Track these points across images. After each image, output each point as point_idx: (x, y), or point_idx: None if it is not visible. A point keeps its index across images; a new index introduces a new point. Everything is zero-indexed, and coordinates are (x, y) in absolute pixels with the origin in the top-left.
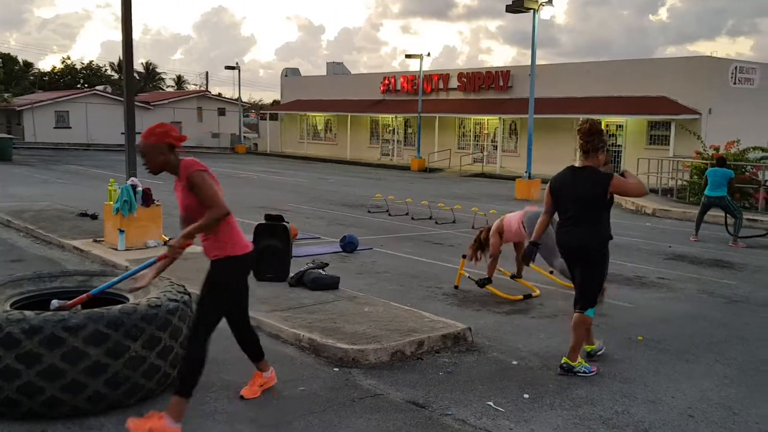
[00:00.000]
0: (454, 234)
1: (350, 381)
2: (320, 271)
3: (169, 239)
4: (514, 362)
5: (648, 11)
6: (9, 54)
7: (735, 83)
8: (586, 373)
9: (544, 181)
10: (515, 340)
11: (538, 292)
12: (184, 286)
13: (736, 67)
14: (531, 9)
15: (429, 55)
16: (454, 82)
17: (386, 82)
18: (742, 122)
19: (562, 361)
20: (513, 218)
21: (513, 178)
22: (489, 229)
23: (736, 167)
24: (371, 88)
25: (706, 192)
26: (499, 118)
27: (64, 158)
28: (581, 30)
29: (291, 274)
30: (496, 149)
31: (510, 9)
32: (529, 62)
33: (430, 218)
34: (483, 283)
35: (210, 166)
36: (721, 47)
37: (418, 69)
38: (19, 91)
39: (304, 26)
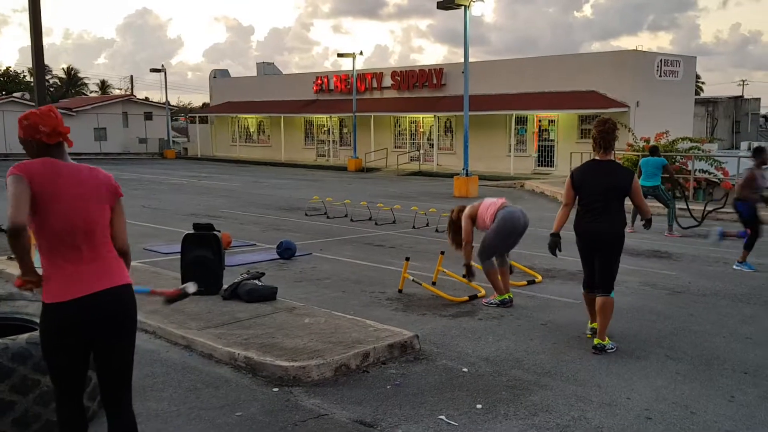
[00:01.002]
0: (395, 235)
1: (291, 402)
2: (256, 281)
3: None
4: (464, 369)
5: (572, 8)
6: None
7: (660, 76)
8: (611, 349)
9: (481, 178)
10: (464, 345)
11: (483, 291)
12: None
13: (661, 60)
14: (462, 5)
15: (362, 53)
16: (387, 81)
17: (319, 81)
18: (669, 114)
19: (595, 342)
20: (490, 206)
21: (450, 176)
22: (460, 210)
23: (667, 158)
24: (304, 88)
25: (639, 182)
26: (434, 116)
27: None
28: (509, 28)
29: (225, 287)
30: (433, 147)
31: (441, 6)
32: (461, 60)
33: (370, 219)
34: (470, 272)
35: (139, 172)
36: (644, 42)
37: (351, 68)
38: None
39: (232, 27)
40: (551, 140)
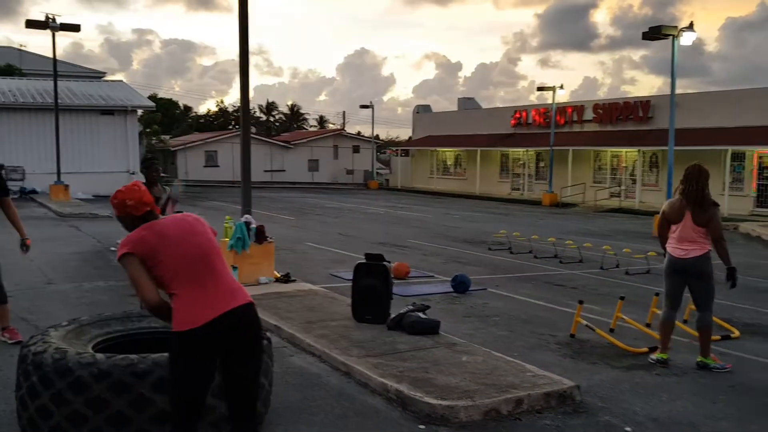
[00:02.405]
0: (580, 275)
1: None
2: (420, 314)
3: (282, 275)
4: (627, 429)
5: None
6: (171, 99)
7: None
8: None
9: None
10: (632, 402)
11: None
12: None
13: None
14: (670, 35)
15: (562, 87)
16: (589, 114)
17: (517, 115)
18: None
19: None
20: None
21: (653, 214)
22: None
23: None
24: (502, 122)
25: None
26: (638, 151)
27: (210, 194)
28: (734, 57)
29: (392, 316)
30: (635, 183)
31: (647, 36)
32: (668, 89)
33: (555, 257)
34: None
35: (342, 201)
36: None
37: (551, 102)
38: (178, 133)
39: (441, 64)
40: None
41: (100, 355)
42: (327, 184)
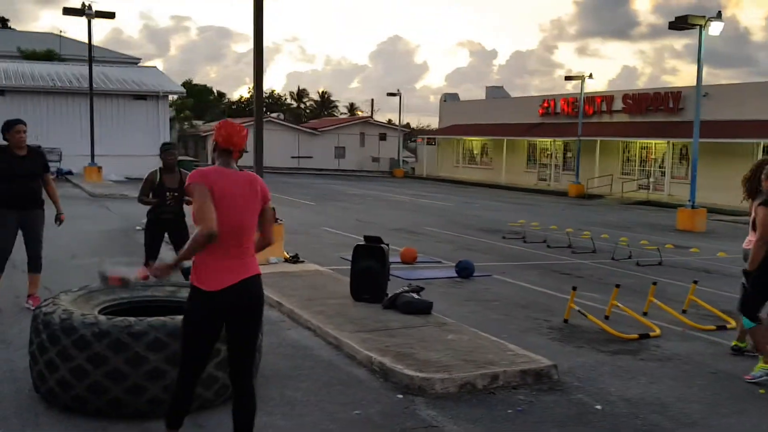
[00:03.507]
0: (589, 264)
1: (410, 410)
2: (414, 294)
3: (292, 256)
4: (598, 407)
5: None
6: (205, 85)
7: None
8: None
9: (717, 211)
10: (609, 383)
11: (658, 331)
12: None
13: None
14: (697, 25)
15: (591, 76)
16: (618, 104)
17: (545, 104)
18: None
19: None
20: None
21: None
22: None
23: None
24: (529, 111)
25: None
26: (668, 142)
27: None
28: None
29: (389, 296)
30: (664, 175)
31: (673, 26)
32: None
33: (569, 247)
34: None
35: (366, 188)
36: None
37: (589, 91)
38: (211, 119)
39: (475, 51)
40: None
41: (101, 317)
42: (353, 171)
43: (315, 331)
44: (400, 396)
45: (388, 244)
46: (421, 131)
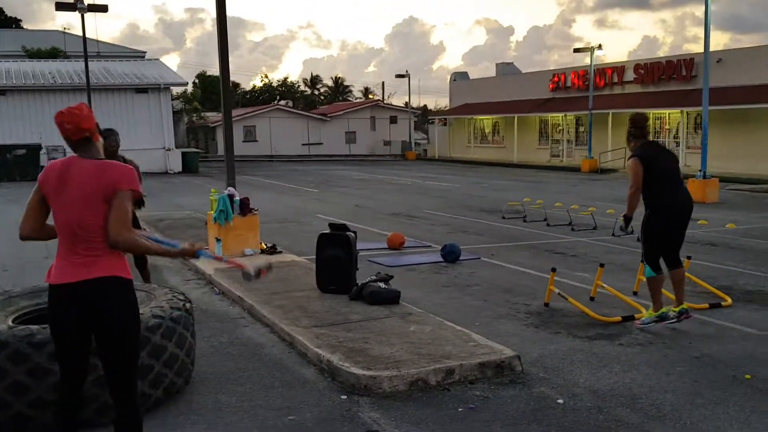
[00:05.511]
0: (587, 242)
1: (351, 412)
2: (381, 284)
3: (269, 246)
4: (560, 401)
5: None
6: (215, 75)
7: None
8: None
9: (737, 180)
10: (578, 373)
11: (644, 312)
12: (184, 294)
13: None
14: None
15: (600, 47)
16: (630, 75)
17: (555, 79)
18: None
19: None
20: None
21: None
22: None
23: None
24: (540, 87)
25: None
26: (682, 112)
27: (245, 170)
28: None
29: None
30: (679, 146)
31: None
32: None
33: (570, 224)
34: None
35: (374, 172)
36: None
37: (604, 62)
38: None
39: (492, 29)
40: None
41: (2, 326)
42: (364, 156)
43: (271, 328)
44: (344, 397)
45: (355, 232)
46: (438, 112)
